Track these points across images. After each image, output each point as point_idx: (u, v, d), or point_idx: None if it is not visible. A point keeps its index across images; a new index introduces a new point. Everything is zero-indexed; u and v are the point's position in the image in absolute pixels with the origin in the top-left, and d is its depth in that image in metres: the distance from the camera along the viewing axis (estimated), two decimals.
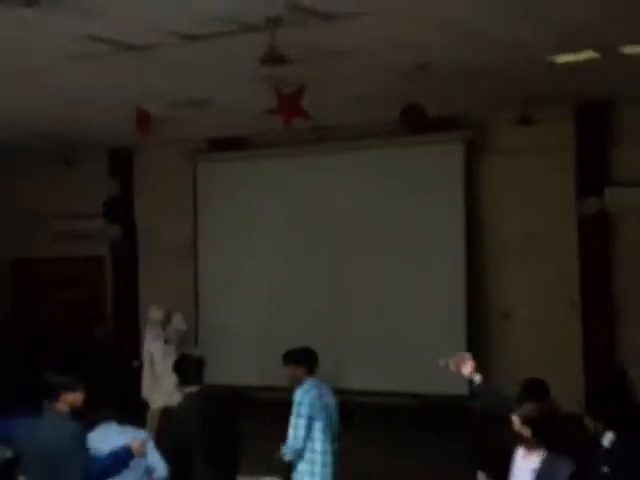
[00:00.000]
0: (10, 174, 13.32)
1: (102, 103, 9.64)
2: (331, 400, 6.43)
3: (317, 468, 6.18)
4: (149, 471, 5.67)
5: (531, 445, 4.68)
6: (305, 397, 6.21)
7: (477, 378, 5.10)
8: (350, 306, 11.53)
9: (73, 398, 5.61)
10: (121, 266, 13.40)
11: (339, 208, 11.59)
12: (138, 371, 11.73)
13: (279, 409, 10.97)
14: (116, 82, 8.75)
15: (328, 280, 11.63)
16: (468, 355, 5.16)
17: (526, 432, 4.67)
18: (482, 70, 8.52)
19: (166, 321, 10.26)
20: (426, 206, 11.10)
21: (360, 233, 11.47)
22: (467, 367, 5.12)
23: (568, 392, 7.26)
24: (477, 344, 10.88)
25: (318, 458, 6.17)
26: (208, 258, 12.50)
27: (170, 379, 8.61)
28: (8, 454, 4.27)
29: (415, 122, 8.83)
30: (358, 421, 10.14)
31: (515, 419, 4.73)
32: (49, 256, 13.54)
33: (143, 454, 5.41)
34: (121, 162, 13.19)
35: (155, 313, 10.32)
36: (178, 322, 10.34)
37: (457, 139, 10.99)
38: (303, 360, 6.52)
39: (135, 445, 5.35)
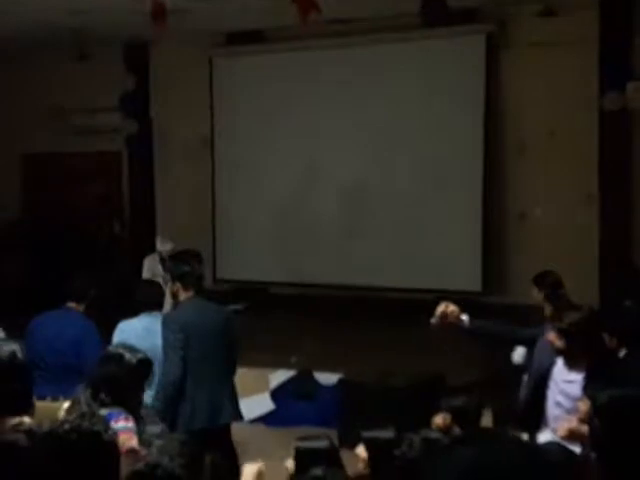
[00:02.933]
0: (24, 68, 13.16)
1: None
2: None
3: None
4: None
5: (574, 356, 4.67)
6: None
7: (464, 318, 5.09)
8: (368, 204, 11.52)
9: None
10: (137, 161, 13.37)
11: (356, 102, 11.44)
12: None
13: (294, 303, 11.31)
14: None
15: (346, 176, 11.59)
16: (445, 303, 5.12)
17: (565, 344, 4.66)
18: None
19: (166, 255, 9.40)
20: (445, 101, 10.94)
21: (378, 128, 11.35)
22: (451, 314, 5.09)
23: (583, 294, 7.26)
24: (494, 244, 10.97)
25: None
26: (225, 154, 12.43)
27: None
28: (139, 356, 4.33)
29: (436, 14, 8.63)
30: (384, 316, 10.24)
31: (553, 335, 4.71)
32: (63, 151, 13.46)
33: None
34: (137, 57, 13.00)
35: (159, 244, 9.89)
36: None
37: (478, 32, 10.74)
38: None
39: None
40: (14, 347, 3.84)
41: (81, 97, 13.05)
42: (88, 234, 12.71)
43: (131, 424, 4.06)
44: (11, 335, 5.65)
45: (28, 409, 3.74)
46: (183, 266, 5.93)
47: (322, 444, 3.82)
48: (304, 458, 3.72)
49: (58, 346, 6.01)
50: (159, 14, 9.08)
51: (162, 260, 9.42)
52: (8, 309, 7.48)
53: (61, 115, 13.27)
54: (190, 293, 5.87)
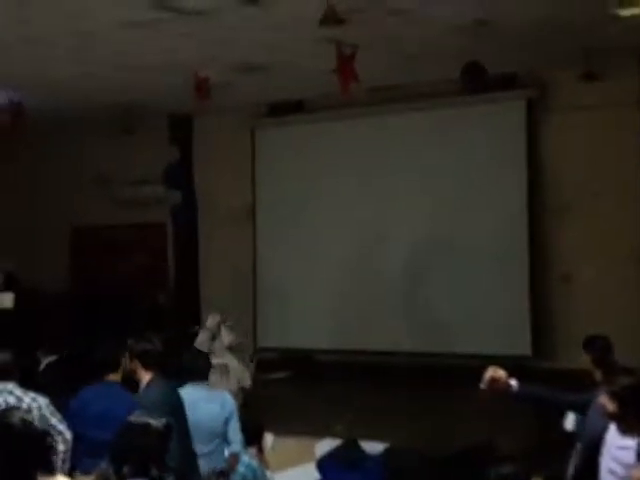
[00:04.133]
0: (75, 143, 13.48)
1: (160, 69, 9.70)
2: None
3: None
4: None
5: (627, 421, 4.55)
6: None
7: (513, 383, 4.98)
8: (415, 271, 11.49)
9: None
10: (182, 232, 13.52)
11: (398, 170, 11.51)
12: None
13: (339, 370, 11.21)
14: (174, 47, 8.79)
15: (396, 244, 11.60)
16: (492, 368, 5.01)
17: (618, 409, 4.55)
18: (543, 24, 8.34)
19: (217, 330, 9.47)
20: (488, 166, 10.98)
21: (421, 194, 11.38)
22: (500, 380, 4.98)
23: (636, 353, 7.12)
24: (542, 307, 10.84)
25: None
26: (267, 222, 12.54)
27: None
28: (163, 421, 4.33)
29: (476, 81, 8.69)
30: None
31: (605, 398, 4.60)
32: (110, 223, 13.69)
33: None
34: (181, 129, 13.25)
35: (209, 320, 9.70)
36: (225, 335, 9.46)
37: (519, 97, 10.82)
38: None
39: None
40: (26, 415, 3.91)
41: (127, 170, 13.32)
42: (133, 304, 12.78)
43: None
44: (56, 404, 5.70)
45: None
46: (145, 344, 5.76)
47: None
48: None
49: (108, 423, 5.94)
50: (202, 87, 9.34)
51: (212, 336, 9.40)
52: (54, 378, 7.50)
53: (108, 187, 13.53)
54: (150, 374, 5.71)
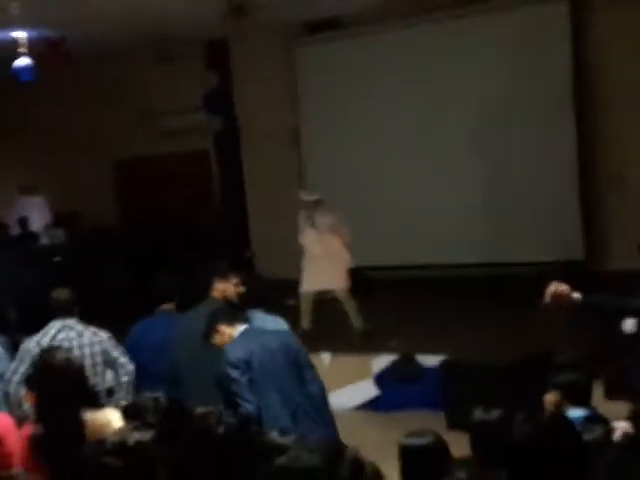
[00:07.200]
0: (114, 75, 13.43)
1: None
2: None
3: None
4: None
5: None
6: None
7: (576, 295, 4.87)
8: (460, 180, 11.36)
9: (224, 287, 5.80)
10: (225, 158, 13.51)
11: (445, 81, 11.31)
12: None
13: (392, 286, 11.22)
14: None
15: (437, 159, 11.50)
16: (555, 283, 4.88)
17: None
18: None
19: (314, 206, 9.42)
20: (534, 67, 10.72)
21: (470, 103, 11.20)
22: (563, 294, 4.86)
23: None
24: (591, 212, 10.70)
25: None
26: (313, 143, 12.45)
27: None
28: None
29: None
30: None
31: None
32: (154, 153, 13.69)
33: None
34: (218, 54, 13.12)
35: (304, 196, 9.70)
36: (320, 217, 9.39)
37: None
38: None
39: None
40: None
41: (166, 99, 13.26)
42: (182, 234, 12.82)
43: None
44: (118, 337, 5.80)
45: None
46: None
47: (428, 440, 3.55)
48: (410, 456, 3.52)
49: (166, 352, 6.03)
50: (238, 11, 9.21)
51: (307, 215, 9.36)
52: (112, 315, 7.62)
53: (149, 118, 13.52)
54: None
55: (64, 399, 3.95)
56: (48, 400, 3.98)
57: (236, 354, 4.89)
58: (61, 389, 4.00)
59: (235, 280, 5.81)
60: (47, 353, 4.42)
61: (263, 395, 4.84)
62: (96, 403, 4.30)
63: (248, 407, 4.75)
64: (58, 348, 4.82)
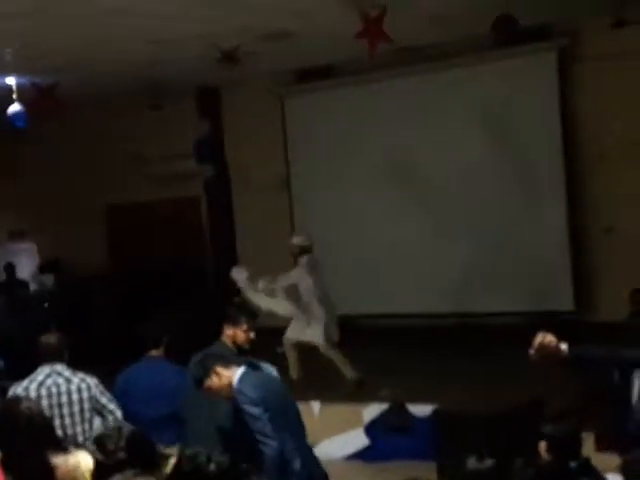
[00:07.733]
0: (105, 120, 13.51)
1: (186, 41, 9.63)
2: None
3: None
4: None
5: None
6: None
7: (564, 347, 4.85)
8: (447, 235, 11.41)
9: (234, 332, 5.76)
10: (216, 205, 13.53)
11: (434, 130, 11.41)
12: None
13: (383, 335, 11.19)
14: (199, 17, 8.70)
15: (422, 207, 11.55)
16: (542, 334, 4.87)
17: None
18: None
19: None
20: (521, 119, 10.85)
21: (457, 153, 11.28)
22: (550, 345, 4.84)
23: None
24: (582, 262, 10.72)
25: None
26: (302, 190, 12.51)
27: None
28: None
29: (508, 33, 8.50)
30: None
31: None
32: (145, 199, 13.72)
33: None
34: (209, 101, 13.22)
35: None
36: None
37: (550, 48, 10.66)
38: None
39: None
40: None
41: (158, 145, 13.31)
42: (172, 280, 12.79)
43: None
44: (106, 383, 5.74)
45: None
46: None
47: None
48: None
49: (157, 399, 5.97)
50: (229, 56, 9.28)
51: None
52: (100, 360, 7.55)
53: (140, 163, 13.55)
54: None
55: (31, 447, 3.94)
56: (15, 449, 3.97)
57: (255, 392, 4.82)
58: (28, 437, 3.99)
59: (245, 326, 5.78)
60: (9, 403, 4.45)
61: (279, 434, 4.78)
62: (64, 447, 4.26)
63: (273, 444, 4.67)
64: (20, 398, 4.83)
